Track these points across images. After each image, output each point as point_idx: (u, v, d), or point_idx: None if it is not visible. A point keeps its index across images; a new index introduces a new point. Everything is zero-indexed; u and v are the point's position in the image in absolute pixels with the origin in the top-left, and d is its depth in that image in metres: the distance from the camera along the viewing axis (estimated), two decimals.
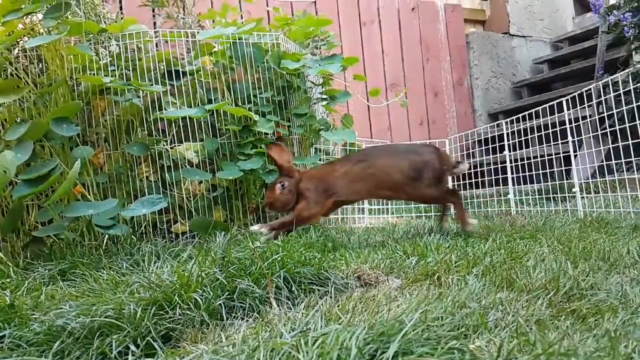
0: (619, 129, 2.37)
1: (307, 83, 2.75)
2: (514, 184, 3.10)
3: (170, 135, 2.36)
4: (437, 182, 2.05)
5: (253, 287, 1.12)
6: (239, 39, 2.43)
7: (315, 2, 4.55)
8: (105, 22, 2.57)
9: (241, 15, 3.48)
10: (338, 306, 1.03)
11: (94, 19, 2.50)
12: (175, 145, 2.34)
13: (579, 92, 2.66)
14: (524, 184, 3.20)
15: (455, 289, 1.14)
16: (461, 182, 3.49)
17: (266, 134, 2.42)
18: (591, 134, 3.06)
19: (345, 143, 2.93)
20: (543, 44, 5.65)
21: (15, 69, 2.22)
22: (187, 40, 2.51)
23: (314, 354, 0.71)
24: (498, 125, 3.39)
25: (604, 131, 3.22)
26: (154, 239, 2.02)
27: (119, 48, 2.34)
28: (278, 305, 1.10)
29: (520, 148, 3.41)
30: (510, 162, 3.12)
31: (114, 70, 2.30)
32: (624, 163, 2.50)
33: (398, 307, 0.99)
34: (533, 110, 3.03)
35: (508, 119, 3.26)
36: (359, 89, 3.71)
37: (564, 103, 2.71)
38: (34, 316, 1.02)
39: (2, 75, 2.18)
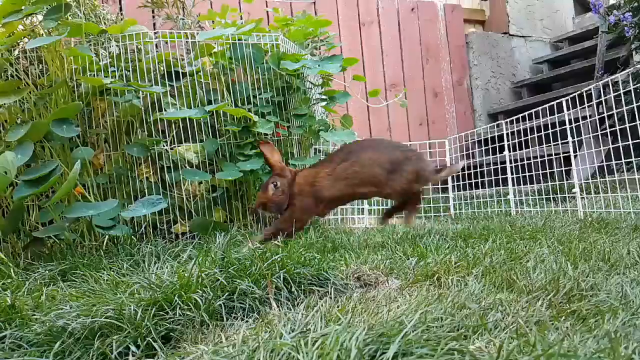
0: (619, 129, 2.37)
1: (306, 84, 2.75)
2: (513, 185, 3.10)
3: (170, 136, 2.37)
4: (414, 179, 1.96)
5: (253, 288, 1.12)
6: (238, 39, 2.44)
7: (314, 2, 4.56)
8: (105, 23, 2.57)
9: (241, 16, 3.48)
10: (338, 307, 1.03)
11: (94, 20, 2.50)
12: (175, 146, 2.34)
13: (579, 92, 2.66)
14: (523, 185, 3.20)
15: (455, 289, 1.14)
16: (461, 182, 3.49)
17: (265, 134, 2.42)
18: (591, 134, 3.06)
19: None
20: (543, 44, 5.65)
21: (16, 70, 2.22)
22: (186, 41, 2.52)
23: (314, 354, 0.71)
24: (498, 125, 3.39)
25: (604, 131, 3.22)
26: (154, 240, 2.02)
27: (119, 49, 2.34)
28: (278, 306, 1.10)
29: (520, 148, 3.42)
30: (510, 163, 3.12)
31: (114, 71, 2.30)
32: (624, 163, 2.50)
33: (398, 308, 0.99)
34: (533, 110, 3.03)
35: (508, 119, 3.26)
36: (358, 90, 3.71)
37: (564, 103, 2.71)
38: (35, 317, 1.03)
39: (2, 77, 2.18)
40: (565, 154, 2.98)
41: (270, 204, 2.00)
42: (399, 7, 5.00)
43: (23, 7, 2.00)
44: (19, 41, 2.28)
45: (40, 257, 1.87)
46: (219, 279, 1.12)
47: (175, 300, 1.03)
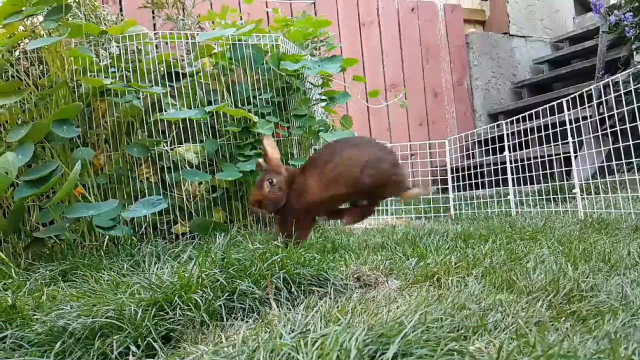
0: (619, 129, 2.37)
1: (306, 84, 2.75)
2: (514, 185, 3.10)
3: (170, 137, 2.37)
4: (383, 180, 1.82)
5: (253, 288, 1.12)
6: (238, 40, 2.44)
7: (314, 3, 4.56)
8: (105, 24, 2.58)
9: (240, 17, 3.48)
10: (337, 307, 1.03)
11: (95, 21, 2.50)
12: (175, 147, 2.34)
13: (579, 92, 2.66)
14: (524, 185, 3.20)
15: (455, 290, 1.14)
16: (461, 182, 3.50)
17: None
18: (591, 135, 3.06)
19: None
20: (543, 44, 5.65)
21: (17, 70, 2.22)
22: (186, 42, 2.52)
23: (314, 355, 0.71)
24: (498, 125, 3.39)
25: (604, 132, 3.22)
26: (154, 240, 2.02)
27: (119, 50, 2.34)
28: (278, 306, 1.10)
29: (521, 149, 3.42)
30: (511, 163, 3.12)
31: (115, 72, 2.30)
32: (624, 163, 2.50)
33: (397, 309, 0.99)
34: (533, 110, 3.03)
35: (508, 120, 3.26)
36: (358, 90, 3.71)
37: (564, 103, 2.71)
38: (36, 317, 1.03)
39: (3, 77, 2.18)
40: (565, 155, 2.98)
41: (266, 201, 1.86)
42: (399, 7, 5.00)
43: (24, 8, 2.01)
44: (19, 42, 2.28)
45: (40, 258, 1.88)
46: (219, 280, 1.13)
47: (176, 301, 1.04)
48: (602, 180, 2.74)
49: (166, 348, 0.94)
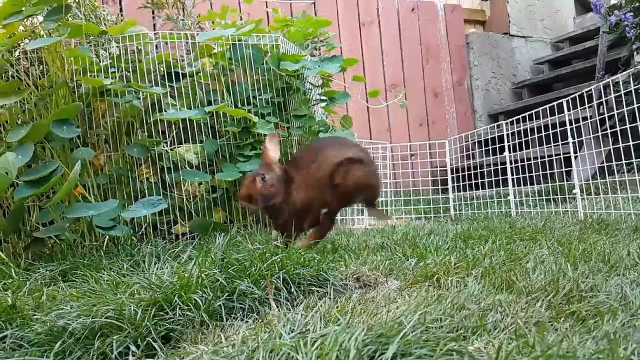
0: (619, 129, 2.37)
1: (306, 84, 2.75)
2: (514, 185, 3.10)
3: (170, 137, 2.37)
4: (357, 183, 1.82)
5: (252, 288, 1.13)
6: (238, 40, 2.44)
7: (314, 3, 4.56)
8: (105, 24, 2.58)
9: (240, 17, 3.48)
10: (337, 307, 1.03)
11: (94, 21, 2.50)
12: (175, 147, 2.34)
13: (579, 92, 2.67)
14: (524, 185, 3.20)
15: (455, 290, 1.14)
16: (461, 183, 3.50)
17: (265, 135, 2.42)
18: (592, 135, 3.06)
19: None
20: (543, 44, 5.65)
21: (17, 71, 2.22)
22: (186, 42, 2.52)
23: (313, 355, 0.71)
24: (498, 126, 3.39)
25: (604, 132, 3.22)
26: (154, 240, 2.02)
27: (119, 50, 2.34)
28: (277, 307, 1.10)
29: (521, 149, 3.42)
30: (511, 163, 3.12)
31: (115, 72, 2.30)
32: (624, 164, 2.50)
33: (397, 309, 0.99)
34: (533, 111, 3.03)
35: (508, 120, 3.26)
36: (358, 90, 3.71)
37: (565, 104, 2.71)
38: (36, 317, 1.03)
39: (3, 78, 2.18)
40: (565, 155, 2.98)
41: (257, 196, 1.82)
42: (399, 7, 5.00)
43: (24, 9, 2.01)
44: (19, 42, 2.28)
45: (40, 258, 1.88)
46: (218, 280, 1.13)
47: (175, 301, 1.04)
48: (602, 180, 2.74)
49: (166, 348, 0.94)
